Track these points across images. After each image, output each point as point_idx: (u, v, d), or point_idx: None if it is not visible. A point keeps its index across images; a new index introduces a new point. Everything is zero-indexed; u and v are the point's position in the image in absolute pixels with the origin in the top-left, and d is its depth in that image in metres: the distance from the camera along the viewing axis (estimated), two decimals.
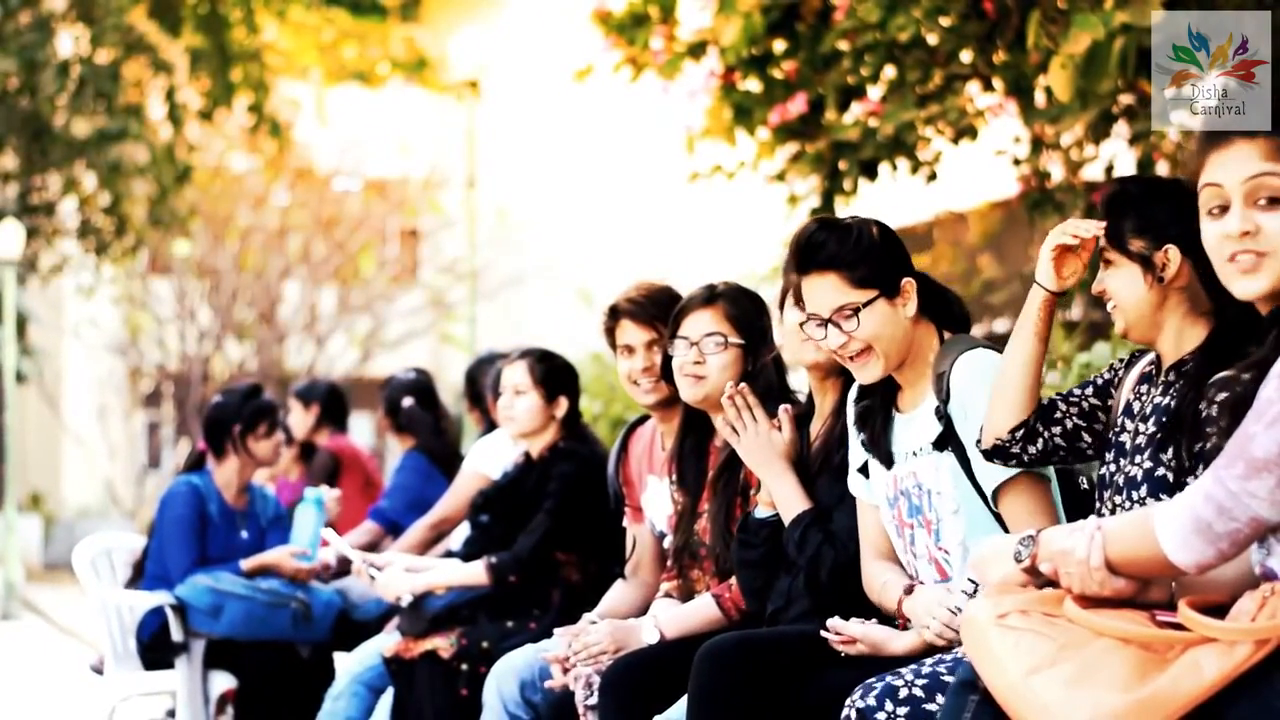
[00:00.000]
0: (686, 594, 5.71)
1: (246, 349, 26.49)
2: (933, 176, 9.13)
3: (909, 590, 4.63)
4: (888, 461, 4.78)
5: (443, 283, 28.42)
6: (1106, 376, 4.42)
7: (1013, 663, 3.53)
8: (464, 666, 6.41)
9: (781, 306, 5.14)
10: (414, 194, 28.56)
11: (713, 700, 4.65)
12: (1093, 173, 9.86)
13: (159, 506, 8.05)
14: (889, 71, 8.60)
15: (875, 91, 8.68)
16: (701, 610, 5.43)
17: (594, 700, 5.32)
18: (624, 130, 28.34)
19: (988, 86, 8.69)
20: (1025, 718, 3.50)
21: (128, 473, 28.69)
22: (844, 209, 9.17)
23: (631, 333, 5.94)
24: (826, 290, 4.70)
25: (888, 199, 10.87)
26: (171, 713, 8.87)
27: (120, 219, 20.86)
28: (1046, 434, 4.38)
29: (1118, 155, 9.85)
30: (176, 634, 7.76)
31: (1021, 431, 4.38)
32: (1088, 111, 8.10)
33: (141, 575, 8.07)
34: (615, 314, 5.99)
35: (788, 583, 5.05)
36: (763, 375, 5.43)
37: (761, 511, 5.12)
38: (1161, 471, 4.05)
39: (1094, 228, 4.24)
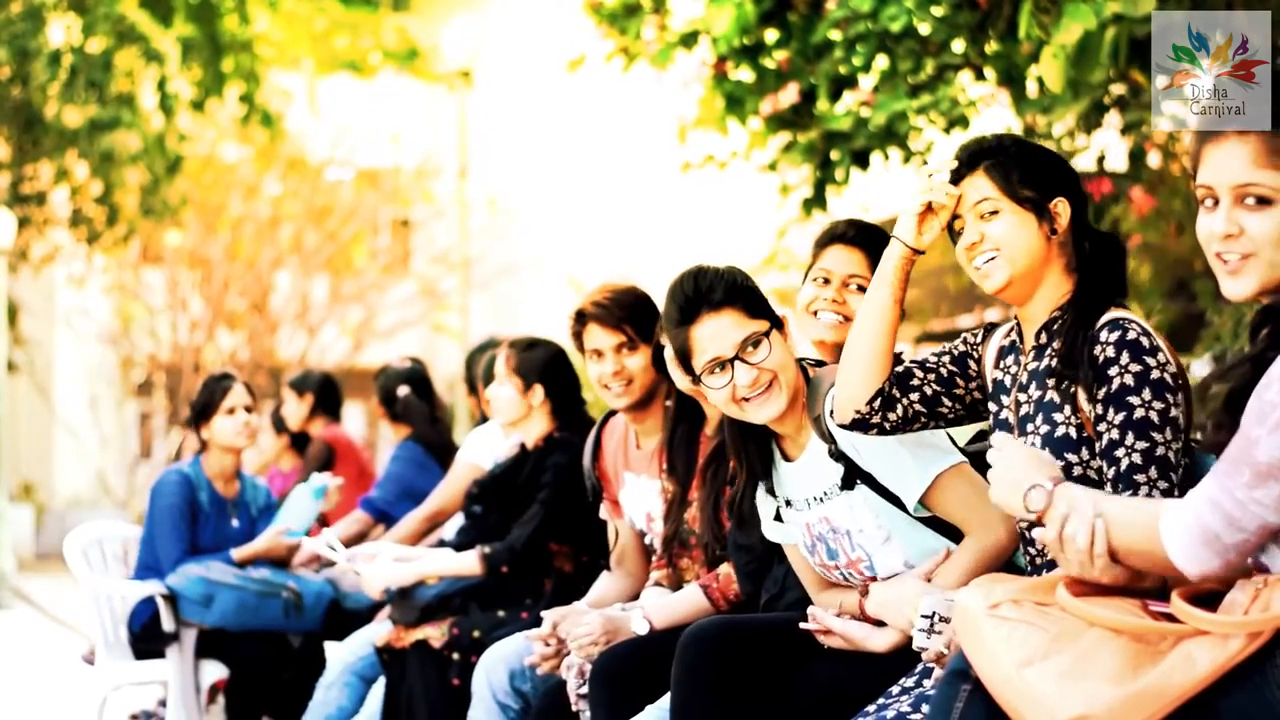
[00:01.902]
0: (676, 583, 5.72)
1: (238, 339, 26.44)
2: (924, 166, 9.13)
3: (865, 591, 4.62)
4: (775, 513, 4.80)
5: (435, 272, 28.37)
6: (962, 349, 4.42)
7: (1006, 654, 3.52)
8: (455, 656, 6.42)
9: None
10: (406, 184, 28.52)
11: (697, 684, 4.64)
12: (1084, 163, 9.86)
13: (150, 496, 8.04)
14: (881, 61, 8.60)
15: (867, 81, 8.69)
16: (689, 600, 5.43)
17: (586, 689, 5.32)
18: (616, 120, 28.31)
19: (979, 76, 8.69)
20: (1018, 710, 3.49)
21: (119, 462, 28.66)
22: (836, 199, 9.18)
23: (599, 336, 5.92)
24: (726, 328, 4.66)
25: (879, 189, 10.88)
26: (163, 702, 8.89)
27: (112, 208, 20.84)
28: (905, 400, 4.37)
29: (1109, 145, 9.85)
30: (168, 624, 7.76)
31: (879, 400, 4.37)
32: (1079, 102, 8.11)
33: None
34: (582, 318, 5.96)
35: (783, 570, 5.06)
36: None
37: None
38: (1062, 431, 4.06)
39: (951, 189, 4.25)
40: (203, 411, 8.04)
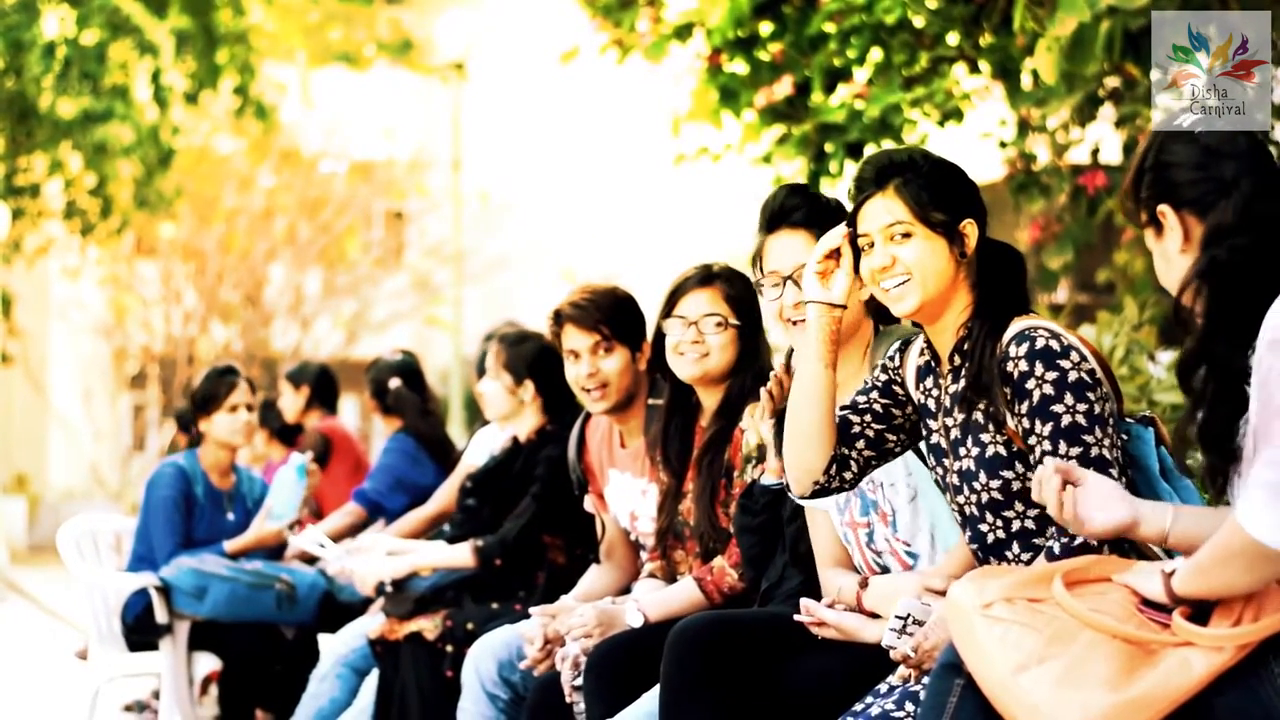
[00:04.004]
0: (670, 575, 5.72)
1: (232, 331, 26.43)
2: None
3: (864, 584, 4.62)
4: None
5: (428, 265, 28.38)
6: (884, 377, 4.38)
7: (1000, 658, 3.52)
8: (449, 648, 6.41)
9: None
10: (399, 176, 28.52)
11: (685, 679, 4.64)
12: (1078, 156, 9.86)
13: (145, 488, 8.04)
14: (875, 54, 8.59)
15: (861, 74, 8.68)
16: (684, 593, 5.42)
17: (580, 681, 5.32)
18: (610, 112, 28.32)
19: (974, 69, 8.68)
20: (1015, 715, 3.49)
21: (113, 455, 28.65)
22: (830, 192, 9.16)
23: (575, 338, 5.92)
24: (794, 248, 4.74)
25: None
26: (156, 694, 8.88)
27: (106, 201, 20.79)
28: (854, 454, 4.34)
29: (1103, 138, 9.85)
30: (161, 616, 7.76)
31: (834, 465, 4.32)
32: (1074, 94, 8.11)
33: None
34: (559, 319, 5.96)
35: (784, 560, 5.06)
36: (756, 361, 5.46)
37: (768, 479, 5.09)
38: (992, 451, 4.05)
39: (839, 229, 4.25)
40: (205, 404, 8.04)
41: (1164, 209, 3.70)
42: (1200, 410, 3.57)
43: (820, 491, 4.37)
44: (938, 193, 4.14)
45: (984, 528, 4.11)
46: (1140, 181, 3.76)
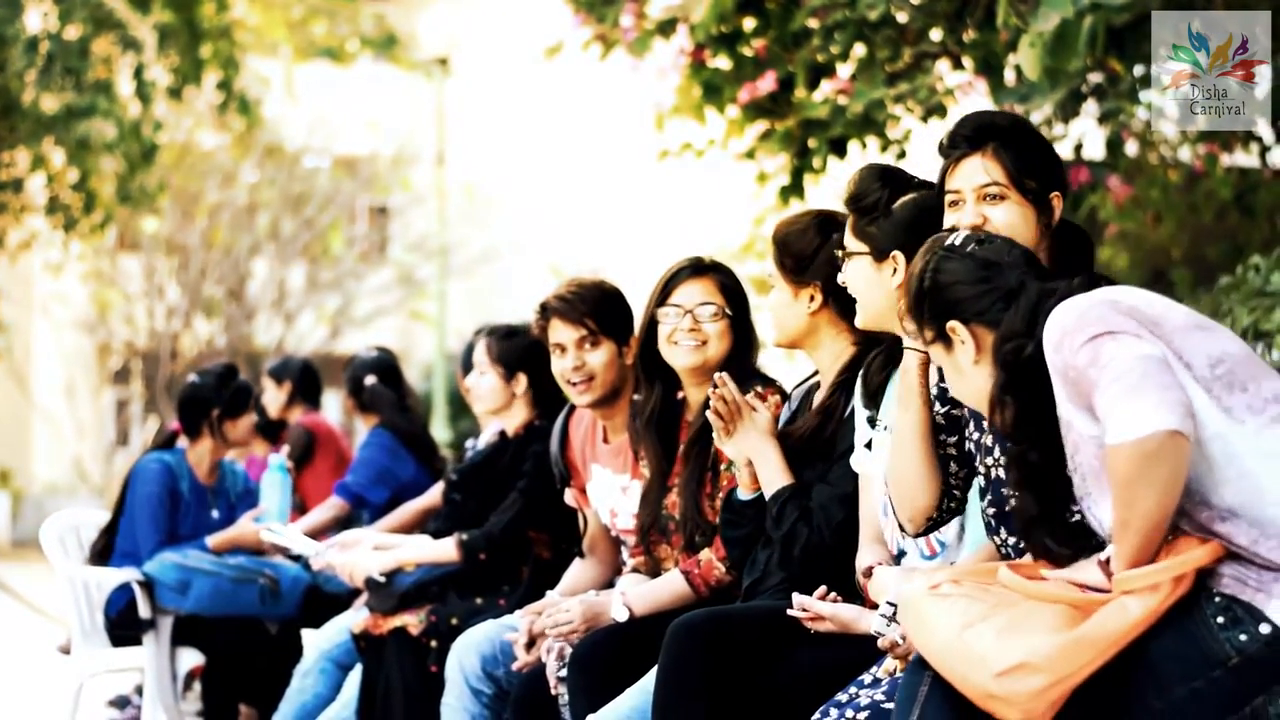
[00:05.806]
0: (654, 571, 5.72)
1: (215, 326, 26.40)
2: (902, 155, 9.12)
3: (867, 574, 4.62)
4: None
5: (412, 260, 28.36)
6: (937, 381, 4.35)
7: (946, 623, 3.61)
8: (433, 643, 6.41)
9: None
10: (383, 171, 28.47)
11: (682, 675, 4.65)
12: (1062, 151, 9.88)
13: (129, 482, 8.03)
14: (859, 49, 8.60)
15: (845, 69, 8.68)
16: (671, 586, 5.43)
17: (565, 673, 5.33)
18: (594, 107, 28.30)
19: (957, 65, 8.69)
20: (961, 674, 3.58)
21: (96, 449, 28.60)
22: (813, 187, 9.17)
23: (562, 331, 5.92)
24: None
25: None
26: (139, 689, 8.87)
27: (89, 195, 20.75)
28: (952, 478, 4.33)
29: (1087, 134, 9.87)
30: (144, 611, 7.75)
31: (944, 498, 4.33)
32: (1057, 90, 8.11)
33: (105, 552, 8.05)
34: (545, 312, 5.97)
35: (766, 555, 5.05)
36: (748, 354, 5.47)
37: (743, 494, 5.10)
38: None
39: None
40: (239, 405, 8.07)
41: (954, 325, 3.85)
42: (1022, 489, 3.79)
43: (935, 523, 4.38)
44: (1032, 161, 4.18)
45: (1006, 491, 4.11)
46: (922, 303, 3.89)
